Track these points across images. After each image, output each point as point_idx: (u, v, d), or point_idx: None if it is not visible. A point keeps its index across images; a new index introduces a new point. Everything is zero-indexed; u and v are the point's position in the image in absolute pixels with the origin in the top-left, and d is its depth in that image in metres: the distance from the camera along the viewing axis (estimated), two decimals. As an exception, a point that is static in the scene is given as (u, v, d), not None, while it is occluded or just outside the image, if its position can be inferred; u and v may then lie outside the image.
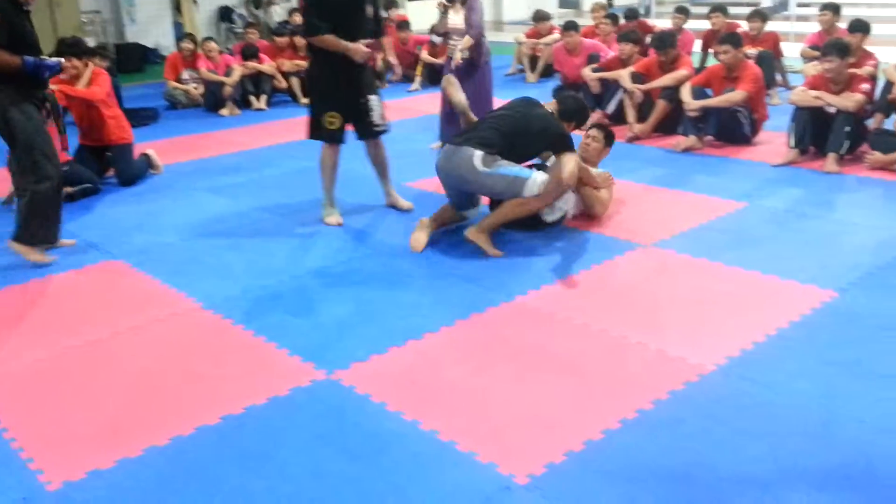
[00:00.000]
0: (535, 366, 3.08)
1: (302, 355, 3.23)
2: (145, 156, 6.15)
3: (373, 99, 4.75)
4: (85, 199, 5.55)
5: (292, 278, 4.03)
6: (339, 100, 4.64)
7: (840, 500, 2.26)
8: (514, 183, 4.16)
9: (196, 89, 8.94)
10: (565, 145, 4.22)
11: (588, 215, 4.64)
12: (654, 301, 3.61)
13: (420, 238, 4.36)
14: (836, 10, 7.48)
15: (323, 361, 3.16)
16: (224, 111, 8.53)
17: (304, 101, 8.82)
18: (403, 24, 10.21)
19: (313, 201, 5.19)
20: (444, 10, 6.13)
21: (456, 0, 6.09)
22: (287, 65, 9.08)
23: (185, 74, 9.02)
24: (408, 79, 9.99)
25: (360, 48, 4.50)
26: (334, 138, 4.73)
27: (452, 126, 6.37)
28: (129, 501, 2.40)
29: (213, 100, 8.67)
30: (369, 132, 4.85)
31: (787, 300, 3.53)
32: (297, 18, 10.99)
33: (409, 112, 8.29)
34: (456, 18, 6.14)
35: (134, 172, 5.95)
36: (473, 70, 6.11)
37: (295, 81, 9.05)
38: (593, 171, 4.64)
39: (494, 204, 4.41)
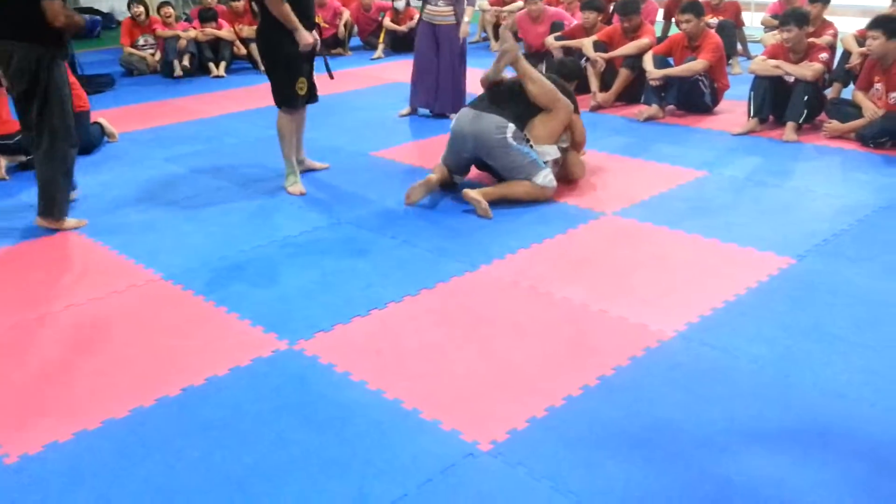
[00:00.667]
0: (499, 334, 3.10)
1: (264, 325, 3.20)
2: (97, 124, 6.00)
3: (318, 60, 4.86)
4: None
5: (254, 248, 3.98)
6: (303, 65, 4.67)
7: (796, 461, 2.32)
8: (532, 165, 4.35)
9: (153, 55, 8.73)
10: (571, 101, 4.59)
11: (567, 180, 4.68)
12: (616, 269, 3.64)
13: (417, 192, 4.44)
14: None
15: (285, 331, 3.14)
16: (177, 72, 8.35)
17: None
18: (366, -10, 10.04)
19: (274, 170, 5.13)
20: None
21: None
22: (246, 30, 8.87)
23: (142, 40, 8.80)
24: (370, 46, 9.86)
25: (307, 38, 4.52)
26: (300, 102, 4.78)
27: (421, 92, 6.35)
28: (87, 473, 2.37)
29: (169, 66, 8.48)
30: (314, 97, 4.91)
31: (746, 267, 3.58)
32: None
33: (372, 80, 8.21)
34: None
35: (90, 140, 5.80)
36: (455, 38, 6.17)
37: (255, 48, 8.83)
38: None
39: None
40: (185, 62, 8.46)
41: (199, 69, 8.58)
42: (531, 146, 4.42)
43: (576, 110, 4.68)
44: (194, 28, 8.66)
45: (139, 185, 5.02)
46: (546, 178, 4.39)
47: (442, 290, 3.48)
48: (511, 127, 4.33)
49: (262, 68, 8.36)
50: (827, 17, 6.68)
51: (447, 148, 4.65)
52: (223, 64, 8.68)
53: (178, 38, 8.44)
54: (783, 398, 2.62)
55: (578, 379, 2.76)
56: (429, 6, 6.18)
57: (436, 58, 6.22)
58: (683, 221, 4.11)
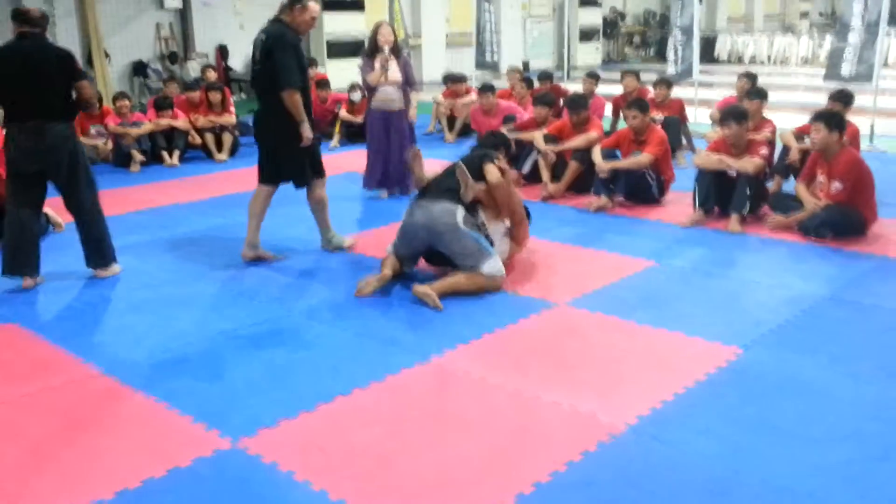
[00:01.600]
0: (449, 429, 3.04)
1: (206, 422, 3.09)
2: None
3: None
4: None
5: (200, 340, 3.89)
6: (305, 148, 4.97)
7: (747, 561, 2.28)
8: (480, 252, 4.39)
9: (105, 144, 8.70)
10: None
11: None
12: (566, 360, 3.63)
13: (371, 286, 4.43)
14: (753, 79, 7.81)
15: (228, 428, 3.04)
16: (133, 167, 8.31)
17: (220, 156, 8.76)
18: (323, 83, 10.25)
19: (226, 261, 5.08)
20: (386, 65, 6.40)
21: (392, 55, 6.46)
22: (201, 120, 8.97)
23: (94, 130, 8.78)
24: (327, 136, 9.99)
25: (309, 134, 4.88)
26: (279, 180, 5.12)
27: (376, 176, 6.77)
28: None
29: (121, 155, 8.44)
30: (321, 172, 5.23)
31: (694, 358, 3.60)
32: (212, 74, 10.93)
33: (329, 170, 8.24)
34: (391, 71, 6.46)
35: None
36: (403, 122, 6.66)
37: (210, 137, 8.92)
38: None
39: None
40: (138, 162, 8.38)
41: (152, 158, 8.55)
42: (481, 231, 4.49)
43: (528, 217, 4.94)
44: (149, 120, 8.66)
45: (83, 275, 4.90)
46: (495, 267, 4.42)
47: (391, 382, 3.42)
48: (460, 211, 4.41)
49: (218, 157, 8.47)
50: (766, 113, 6.98)
51: (398, 238, 4.67)
52: (177, 153, 8.67)
53: (127, 135, 8.41)
54: (733, 496, 2.59)
55: (530, 475, 2.70)
56: (377, 94, 6.51)
57: (387, 141, 6.62)
58: (633, 312, 4.14)
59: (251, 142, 9.66)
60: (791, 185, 6.17)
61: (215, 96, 9.01)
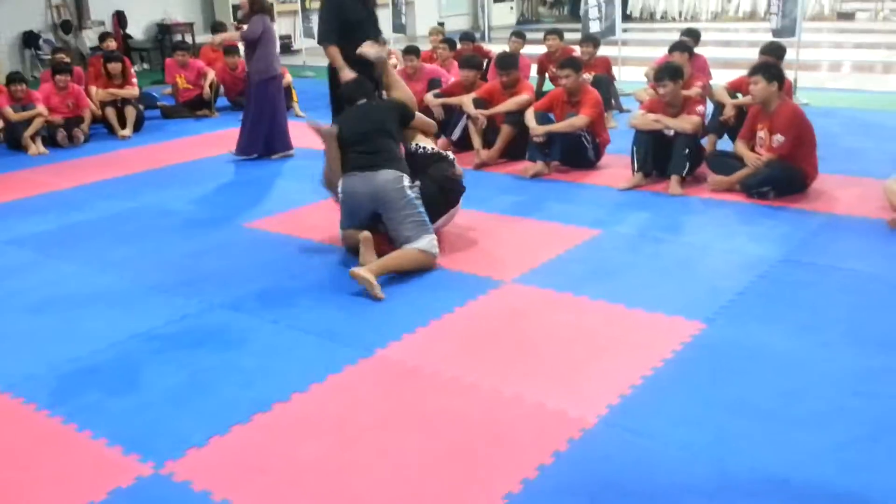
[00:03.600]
0: (403, 433, 2.72)
1: (124, 445, 2.68)
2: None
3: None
4: None
5: (111, 346, 3.44)
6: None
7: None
8: (421, 226, 4.16)
9: (-3, 125, 7.90)
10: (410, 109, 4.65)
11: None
12: (523, 345, 3.35)
13: (370, 259, 4.06)
14: (696, 36, 7.61)
15: (150, 451, 2.64)
16: (31, 149, 7.54)
17: (124, 132, 8.08)
18: (231, 49, 9.59)
19: (135, 249, 4.59)
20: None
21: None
22: (101, 93, 8.26)
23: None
24: (239, 106, 9.38)
25: (349, 75, 5.07)
26: None
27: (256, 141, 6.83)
28: None
29: (16, 140, 7.65)
30: None
31: (657, 335, 3.38)
32: (112, 44, 10.13)
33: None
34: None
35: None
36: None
37: (111, 112, 8.23)
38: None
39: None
40: (41, 147, 7.59)
41: (48, 138, 7.78)
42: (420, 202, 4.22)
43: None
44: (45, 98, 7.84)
45: (-28, 273, 4.35)
46: (431, 243, 4.15)
47: (334, 383, 3.07)
48: (405, 177, 4.19)
49: (122, 133, 7.82)
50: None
51: (343, 213, 4.33)
52: (80, 133, 7.90)
53: (26, 122, 7.60)
54: (723, 491, 2.37)
55: (501, 485, 2.41)
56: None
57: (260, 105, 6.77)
58: (585, 286, 3.89)
59: (157, 115, 9.06)
60: (726, 144, 6.04)
61: (115, 67, 8.30)
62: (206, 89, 9.20)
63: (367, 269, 3.90)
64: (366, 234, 4.12)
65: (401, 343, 3.38)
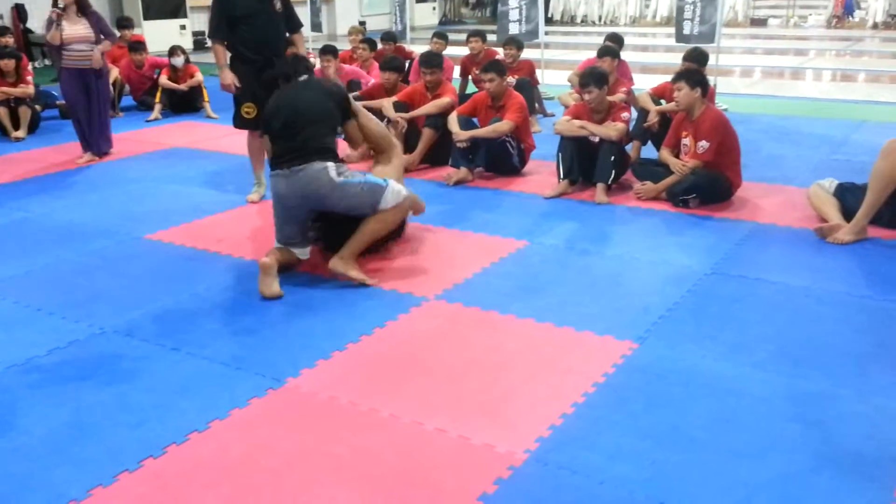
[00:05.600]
0: (312, 478, 2.44)
1: (-11, 502, 2.33)
2: None
3: None
4: None
5: (-17, 379, 3.05)
6: (253, 92, 5.04)
7: None
8: (373, 191, 3.90)
9: None
10: (351, 104, 4.31)
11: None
12: (447, 371, 3.11)
13: (273, 285, 3.76)
14: (619, 41, 7.53)
15: (20, 509, 2.30)
16: None
17: (17, 134, 7.50)
18: (138, 45, 9.08)
19: (22, 265, 4.17)
20: (59, 20, 6.20)
21: (69, 8, 6.23)
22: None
23: None
24: (146, 106, 8.89)
25: (226, 78, 5.06)
26: (252, 125, 5.11)
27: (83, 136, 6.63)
28: None
29: None
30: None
31: (588, 356, 3.20)
32: (8, 39, 9.44)
33: (147, 145, 7.28)
34: (77, 28, 6.28)
35: None
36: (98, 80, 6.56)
37: (2, 111, 7.63)
38: None
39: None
40: None
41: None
42: (355, 171, 4.01)
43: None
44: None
45: None
46: (395, 193, 3.94)
47: (239, 419, 2.77)
48: (330, 165, 3.88)
49: (15, 135, 7.26)
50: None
51: (278, 219, 4.02)
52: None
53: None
54: (664, 534, 2.19)
55: (421, 538, 2.17)
56: (68, 52, 6.29)
57: (87, 101, 6.50)
58: (513, 303, 3.69)
59: (54, 115, 8.47)
60: (650, 151, 5.96)
61: (7, 64, 7.69)
62: (110, 88, 8.65)
63: (342, 259, 3.82)
64: (265, 260, 3.80)
65: (314, 371, 3.10)
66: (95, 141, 6.66)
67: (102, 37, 6.47)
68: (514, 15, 9.85)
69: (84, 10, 6.37)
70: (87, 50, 6.34)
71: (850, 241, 4.37)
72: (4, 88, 7.66)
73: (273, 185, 3.98)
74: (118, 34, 8.60)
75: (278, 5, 5.12)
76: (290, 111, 3.99)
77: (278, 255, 3.90)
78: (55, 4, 6.24)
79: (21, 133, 7.59)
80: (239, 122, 5.26)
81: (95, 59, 6.36)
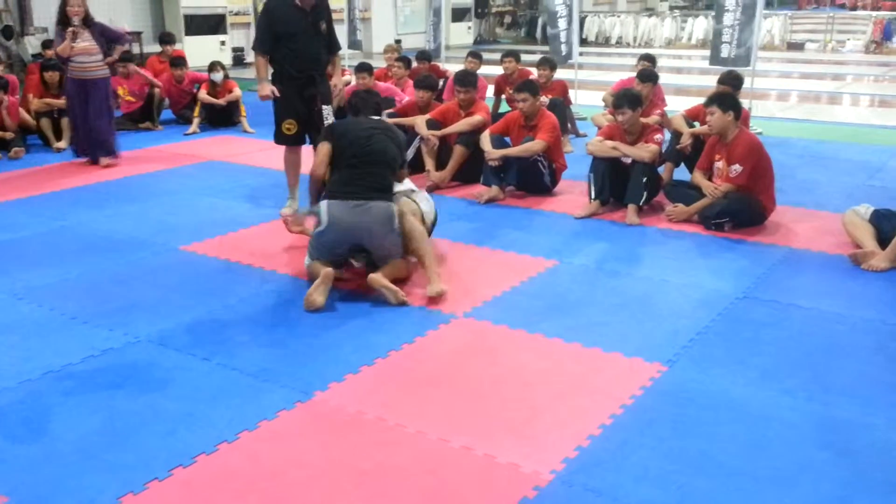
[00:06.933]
0: (342, 491, 2.46)
1: (22, 505, 2.38)
2: None
3: (326, 108, 5.30)
4: None
5: (20, 384, 3.12)
6: (295, 109, 5.24)
7: None
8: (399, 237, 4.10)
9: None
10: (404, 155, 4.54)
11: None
12: (474, 388, 3.12)
13: (323, 295, 3.83)
14: (653, 60, 7.58)
15: (52, 513, 2.34)
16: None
17: (59, 144, 7.68)
18: (178, 61, 9.26)
19: (59, 274, 4.26)
20: (74, 37, 6.57)
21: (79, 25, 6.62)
22: (36, 103, 7.85)
23: None
24: (185, 120, 9.05)
25: (265, 89, 5.19)
26: (292, 141, 5.36)
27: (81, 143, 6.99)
28: None
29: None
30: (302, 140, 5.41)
31: (616, 378, 3.18)
32: (52, 52, 9.69)
33: (185, 159, 7.41)
34: (82, 41, 6.66)
35: None
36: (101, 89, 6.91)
37: (46, 123, 7.82)
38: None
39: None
40: None
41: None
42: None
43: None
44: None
45: None
46: (422, 199, 4.44)
47: (267, 431, 2.80)
48: (394, 207, 4.09)
49: (57, 146, 7.43)
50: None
51: (319, 242, 4.06)
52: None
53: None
54: (690, 561, 2.17)
55: (445, 555, 2.18)
56: (73, 63, 6.70)
57: (87, 107, 6.82)
58: (541, 322, 3.69)
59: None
60: (682, 173, 5.93)
61: (52, 76, 7.88)
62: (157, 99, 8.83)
63: (385, 275, 3.93)
64: (329, 270, 3.88)
65: (342, 385, 3.12)
66: (91, 148, 7.01)
67: (111, 43, 6.93)
68: (563, 37, 9.78)
69: (89, 23, 6.73)
70: (90, 61, 6.74)
71: (885, 268, 4.31)
72: (48, 100, 7.85)
73: (333, 211, 3.99)
74: (127, 33, 8.94)
75: (323, 26, 5.25)
76: (363, 146, 4.13)
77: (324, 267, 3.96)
78: (64, 22, 6.60)
79: (63, 144, 7.76)
80: (280, 138, 5.36)
81: (110, 62, 6.98)
